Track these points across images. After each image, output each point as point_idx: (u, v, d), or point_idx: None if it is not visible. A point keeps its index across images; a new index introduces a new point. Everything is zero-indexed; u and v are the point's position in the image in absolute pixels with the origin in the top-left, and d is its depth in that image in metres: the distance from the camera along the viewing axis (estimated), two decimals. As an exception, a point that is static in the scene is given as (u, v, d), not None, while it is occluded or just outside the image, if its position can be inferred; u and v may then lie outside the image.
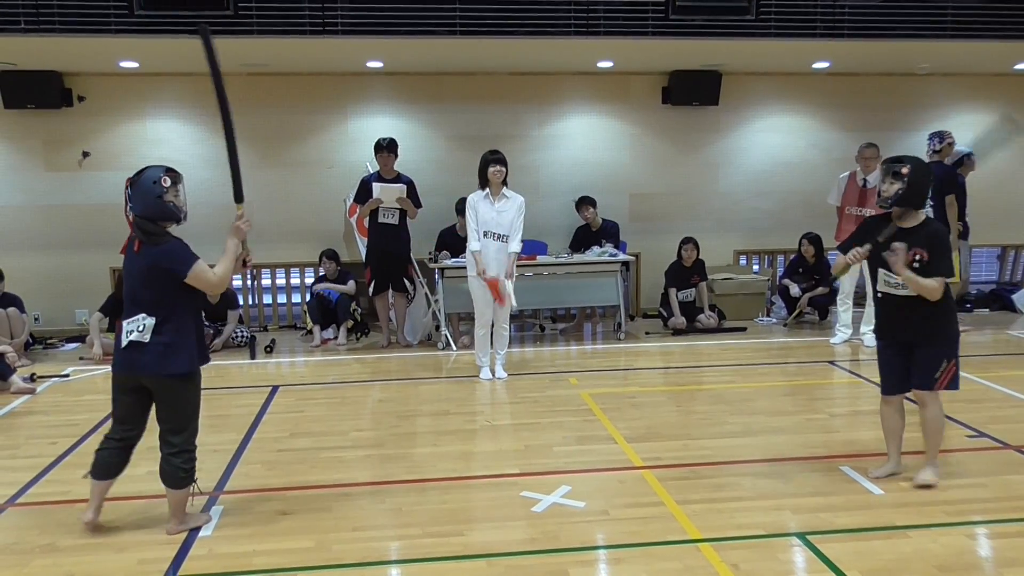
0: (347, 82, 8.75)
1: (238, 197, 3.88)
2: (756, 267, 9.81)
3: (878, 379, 4.21)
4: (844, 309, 7.70)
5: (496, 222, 6.33)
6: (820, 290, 8.54)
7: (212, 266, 3.69)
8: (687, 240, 8.43)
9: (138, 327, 3.51)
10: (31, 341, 7.99)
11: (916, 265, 3.83)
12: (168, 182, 3.59)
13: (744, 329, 8.37)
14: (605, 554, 3.49)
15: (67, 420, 5.51)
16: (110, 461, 3.67)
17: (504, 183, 6.36)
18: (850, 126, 9.31)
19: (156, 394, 3.58)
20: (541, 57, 8.25)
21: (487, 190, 6.35)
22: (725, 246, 9.44)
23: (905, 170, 3.84)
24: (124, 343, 3.54)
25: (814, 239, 8.63)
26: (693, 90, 9.00)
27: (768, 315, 9.12)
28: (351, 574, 3.31)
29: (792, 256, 9.03)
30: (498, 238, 6.35)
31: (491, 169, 6.29)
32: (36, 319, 8.45)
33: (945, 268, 3.86)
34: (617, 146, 9.27)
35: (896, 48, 7.96)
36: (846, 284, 7.62)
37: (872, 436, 4.87)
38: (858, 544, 3.50)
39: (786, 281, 8.79)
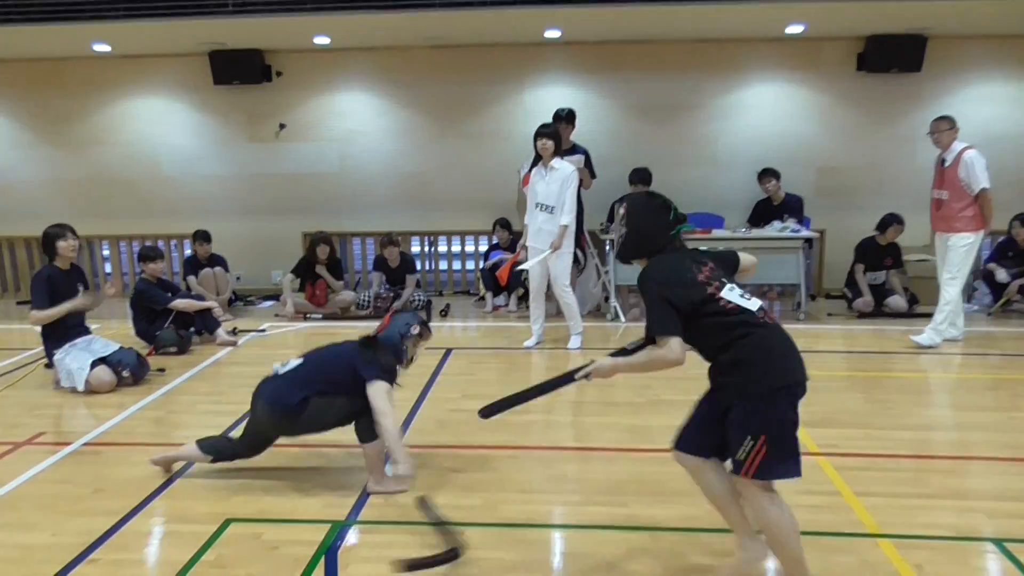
0: (524, 53, 8.82)
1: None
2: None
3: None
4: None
5: (544, 193, 6.40)
6: (1032, 276, 7.74)
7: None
8: (894, 218, 7.83)
9: None
10: (234, 298, 8.75)
11: None
12: None
13: (939, 315, 7.73)
14: (774, 539, 3.37)
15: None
16: None
17: (559, 154, 6.42)
18: (1078, 93, 8.32)
19: None
20: (726, 23, 7.93)
21: (540, 163, 6.45)
22: (922, 225, 8.69)
23: (622, 211, 2.92)
24: None
25: (1029, 220, 7.83)
26: (893, 56, 8.35)
27: (969, 302, 8.38)
28: (516, 533, 3.39)
29: (1001, 239, 8.24)
30: (544, 209, 6.41)
31: (538, 143, 6.38)
32: (238, 278, 9.21)
33: (651, 326, 2.72)
34: (804, 116, 8.78)
35: None
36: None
37: (1088, 438, 4.38)
38: (1065, 555, 3.17)
39: (992, 265, 8.03)
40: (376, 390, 3.67)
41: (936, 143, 6.50)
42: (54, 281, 5.58)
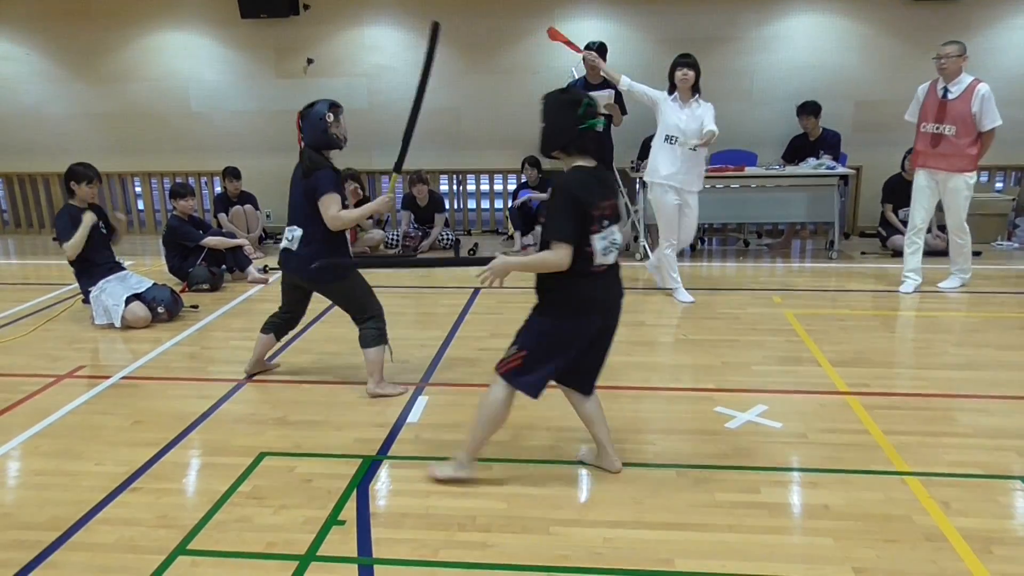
0: (556, -16, 8.61)
1: (398, 167, 4.26)
2: (1000, 184, 8.80)
3: None
4: (912, 251, 6.35)
5: (681, 129, 5.87)
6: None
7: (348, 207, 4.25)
8: (909, 151, 7.60)
9: None
10: (264, 236, 8.81)
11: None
12: None
13: (979, 254, 7.58)
14: (800, 476, 3.39)
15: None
16: None
17: (695, 89, 5.89)
18: None
19: None
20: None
21: (675, 94, 5.93)
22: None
23: (542, 107, 3.07)
24: None
25: (1074, 154, 7.58)
26: (941, -19, 8.01)
27: (1009, 239, 8.20)
28: (544, 469, 3.44)
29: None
30: (680, 144, 5.91)
31: (678, 73, 5.86)
32: (268, 216, 9.26)
33: (550, 229, 2.95)
34: (844, 48, 8.51)
35: None
36: (916, 217, 6.25)
37: None
38: (1096, 496, 3.15)
39: (1034, 201, 7.83)
40: (324, 206, 4.06)
41: (942, 70, 5.98)
42: (76, 221, 5.66)
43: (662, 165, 6.00)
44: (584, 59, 7.09)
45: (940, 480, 3.28)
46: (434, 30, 4.06)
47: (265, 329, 4.52)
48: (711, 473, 3.37)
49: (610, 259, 3.06)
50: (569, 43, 6.52)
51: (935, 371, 4.61)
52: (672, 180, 5.99)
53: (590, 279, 3.02)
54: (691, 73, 5.84)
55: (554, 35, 6.54)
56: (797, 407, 4.09)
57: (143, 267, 7.32)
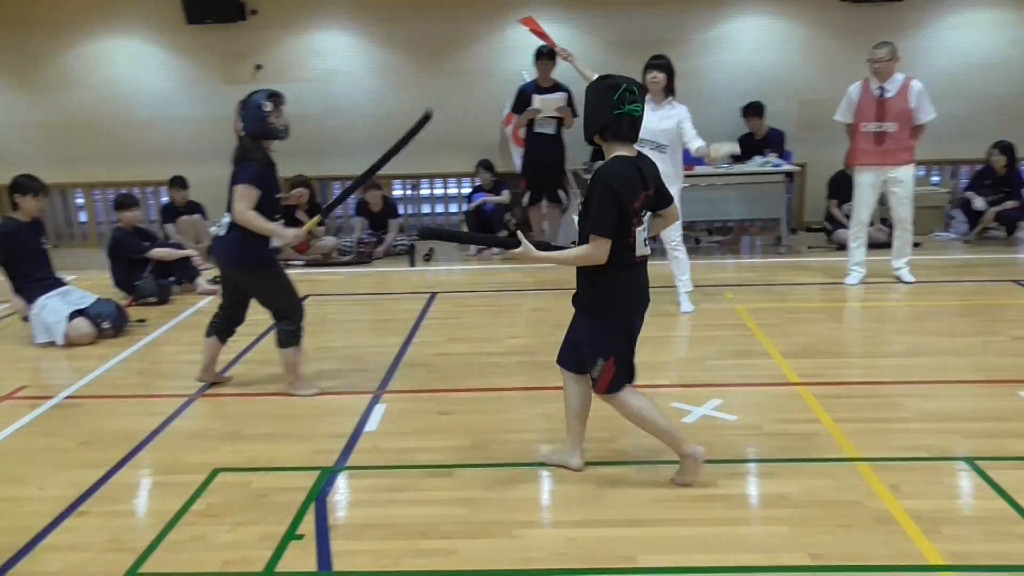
0: (505, -12, 8.62)
1: (324, 214, 4.54)
2: (936, 178, 9.06)
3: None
4: (856, 244, 6.50)
5: (653, 131, 5.66)
6: (1009, 204, 7.84)
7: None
8: None
9: None
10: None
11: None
12: None
13: (918, 245, 7.77)
14: (756, 467, 3.44)
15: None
16: None
17: (669, 91, 5.77)
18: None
19: None
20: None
21: (647, 96, 5.68)
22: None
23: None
24: None
25: (1006, 148, 7.89)
26: (875, -17, 8.22)
27: (947, 230, 8.45)
28: (505, 473, 3.43)
29: (979, 167, 8.27)
30: (656, 148, 5.70)
31: (647, 75, 5.74)
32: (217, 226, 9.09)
33: (590, 223, 2.96)
34: (787, 49, 8.68)
35: None
36: (862, 213, 6.46)
37: (1063, 362, 4.46)
38: (1035, 473, 3.25)
39: (969, 194, 8.10)
40: (235, 197, 4.02)
41: (876, 72, 6.17)
42: (14, 236, 5.48)
43: None
44: (544, 56, 7.12)
45: (889, 465, 3.36)
46: (423, 119, 4.16)
47: (208, 332, 4.48)
48: (671, 469, 3.39)
49: (647, 250, 3.10)
50: (544, 35, 6.43)
51: (882, 359, 4.72)
52: None
53: (633, 270, 3.07)
54: (660, 75, 5.71)
55: (528, 24, 6.40)
56: (751, 399, 4.15)
57: (87, 281, 7.12)
